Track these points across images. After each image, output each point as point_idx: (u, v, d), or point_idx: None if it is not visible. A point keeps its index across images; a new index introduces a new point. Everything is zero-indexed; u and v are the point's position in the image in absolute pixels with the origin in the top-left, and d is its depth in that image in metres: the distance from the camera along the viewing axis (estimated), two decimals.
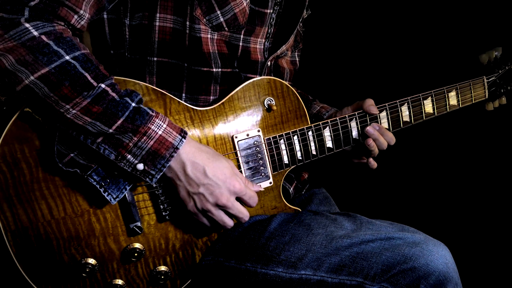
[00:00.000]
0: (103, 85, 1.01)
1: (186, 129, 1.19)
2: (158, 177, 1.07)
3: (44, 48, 0.96)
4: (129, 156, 1.04)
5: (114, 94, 1.02)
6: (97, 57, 1.26)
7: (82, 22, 1.06)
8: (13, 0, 0.96)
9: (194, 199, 1.12)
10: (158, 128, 1.05)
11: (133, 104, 1.04)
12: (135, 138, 1.03)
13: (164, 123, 1.06)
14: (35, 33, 0.96)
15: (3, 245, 1.06)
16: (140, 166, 1.05)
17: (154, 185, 1.15)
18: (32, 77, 0.96)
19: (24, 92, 0.97)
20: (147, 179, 1.07)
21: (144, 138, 1.04)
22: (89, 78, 0.99)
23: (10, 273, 1.08)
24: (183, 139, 1.07)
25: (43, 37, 0.97)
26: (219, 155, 1.14)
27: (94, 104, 0.99)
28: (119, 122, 1.01)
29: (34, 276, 1.09)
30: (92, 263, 1.12)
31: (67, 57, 0.98)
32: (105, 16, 1.20)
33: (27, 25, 0.96)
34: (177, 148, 1.06)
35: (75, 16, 1.04)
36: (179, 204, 1.15)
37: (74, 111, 0.99)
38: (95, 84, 1.00)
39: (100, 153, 1.04)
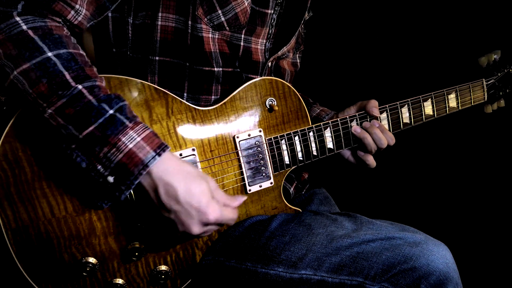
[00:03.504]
0: (80, 86, 0.96)
1: (186, 127, 1.19)
2: (127, 194, 1.00)
3: (28, 43, 0.95)
4: (99, 167, 0.98)
5: (91, 97, 0.97)
6: (99, 56, 1.27)
7: (79, 18, 1.05)
8: None
9: (165, 220, 1.05)
10: (129, 141, 0.97)
11: (110, 111, 0.97)
12: (105, 149, 0.97)
13: (139, 136, 0.98)
14: (24, 27, 0.96)
15: (3, 244, 1.06)
16: (111, 179, 0.98)
17: None
18: (15, 72, 0.95)
19: (10, 88, 0.97)
20: (117, 193, 1.00)
21: (114, 150, 0.97)
22: (67, 77, 0.96)
23: (11, 272, 1.07)
24: (157, 156, 0.98)
25: (30, 31, 0.96)
26: (198, 176, 1.04)
27: (68, 106, 0.95)
28: (90, 129, 0.96)
29: (35, 275, 1.08)
30: (93, 262, 1.12)
31: (49, 54, 0.96)
32: (109, 14, 1.20)
33: (17, 18, 0.96)
34: (147, 166, 0.98)
35: (72, 12, 1.03)
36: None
37: (49, 111, 0.96)
38: (73, 84, 0.96)
39: (73, 159, 0.99)
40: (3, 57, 0.95)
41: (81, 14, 1.05)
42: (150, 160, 0.98)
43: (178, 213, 1.01)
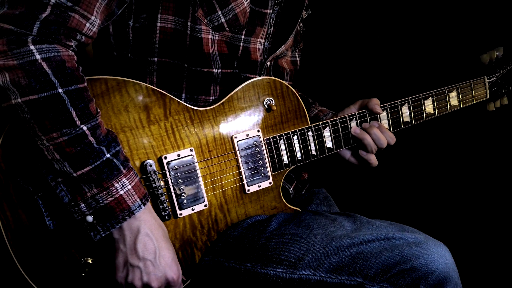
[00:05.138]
0: (84, 127, 0.99)
1: (186, 129, 1.19)
2: (103, 235, 1.03)
3: (41, 76, 0.94)
4: (82, 205, 1.01)
5: (92, 139, 1.00)
6: (99, 59, 1.27)
7: (94, 29, 1.05)
8: (24, 13, 0.94)
9: (128, 270, 1.06)
10: (121, 188, 1.02)
11: (107, 155, 1.01)
12: (95, 190, 1.00)
13: (130, 183, 1.04)
14: (38, 57, 0.94)
15: (3, 245, 1.07)
16: (90, 218, 1.02)
17: (154, 185, 1.15)
18: (19, 100, 0.94)
19: (8, 110, 0.97)
20: (92, 233, 1.03)
21: (104, 193, 1.01)
22: (74, 115, 0.97)
23: (10, 273, 1.08)
24: (142, 206, 1.05)
25: (44, 64, 0.95)
26: (168, 235, 1.12)
27: (69, 145, 0.97)
28: (86, 169, 0.99)
29: (34, 275, 1.09)
30: (91, 263, 1.12)
31: (60, 90, 0.96)
32: None
33: (31, 47, 0.94)
34: (133, 213, 1.03)
35: (87, 24, 1.02)
36: (110, 268, 1.09)
37: (47, 144, 0.97)
38: (78, 123, 0.98)
39: (56, 192, 1.01)
40: (9, 83, 0.93)
41: (95, 24, 1.05)
42: (136, 208, 1.04)
43: (147, 263, 1.06)
